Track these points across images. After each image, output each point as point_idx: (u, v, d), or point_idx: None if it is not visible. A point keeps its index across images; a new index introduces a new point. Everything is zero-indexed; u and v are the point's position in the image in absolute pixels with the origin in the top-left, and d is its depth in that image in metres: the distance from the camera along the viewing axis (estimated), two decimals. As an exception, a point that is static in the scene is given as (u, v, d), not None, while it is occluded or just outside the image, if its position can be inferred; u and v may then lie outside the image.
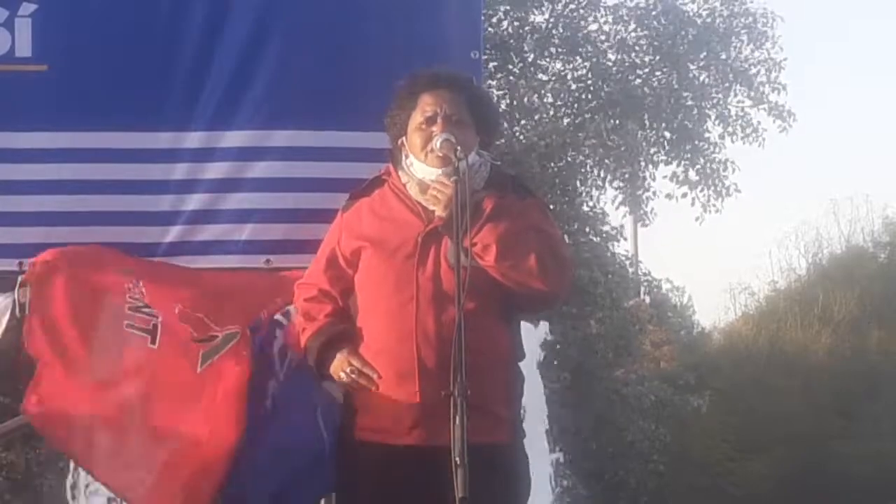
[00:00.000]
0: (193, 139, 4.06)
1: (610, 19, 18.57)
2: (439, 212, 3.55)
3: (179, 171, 4.06)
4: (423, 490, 3.40)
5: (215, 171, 4.07)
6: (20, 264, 4.00)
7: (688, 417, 19.35)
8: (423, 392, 3.46)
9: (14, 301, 3.99)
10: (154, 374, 3.85)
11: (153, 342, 3.87)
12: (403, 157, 3.70)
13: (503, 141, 15.11)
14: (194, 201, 4.06)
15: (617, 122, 17.33)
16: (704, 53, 18.55)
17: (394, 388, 3.52)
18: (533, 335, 3.95)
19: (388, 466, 3.52)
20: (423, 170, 3.64)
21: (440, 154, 3.57)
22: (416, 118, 3.67)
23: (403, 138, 3.71)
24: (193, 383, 3.84)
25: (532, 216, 3.66)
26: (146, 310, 3.90)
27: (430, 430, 3.44)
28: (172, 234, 4.06)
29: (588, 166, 17.51)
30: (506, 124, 15.59)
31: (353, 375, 3.56)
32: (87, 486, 4.30)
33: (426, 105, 3.66)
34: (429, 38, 4.19)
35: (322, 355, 3.64)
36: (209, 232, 4.08)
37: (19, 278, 3.99)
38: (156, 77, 4.04)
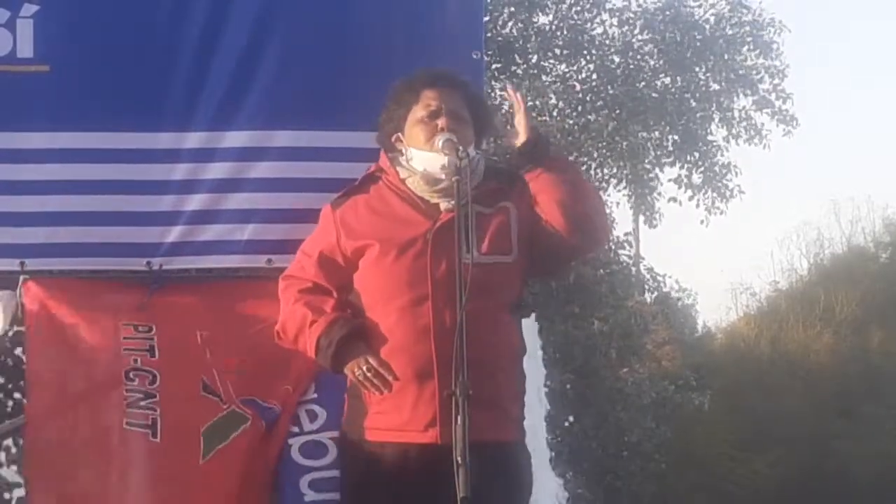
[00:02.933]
0: (194, 139, 4.06)
1: (615, 22, 18.59)
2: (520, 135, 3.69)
3: (180, 171, 4.05)
4: (437, 489, 3.35)
5: (216, 171, 4.07)
6: (22, 264, 4.00)
7: (689, 417, 19.38)
8: (441, 391, 3.41)
9: (16, 300, 4.01)
10: (157, 466, 3.90)
11: (154, 436, 3.91)
12: (401, 153, 3.69)
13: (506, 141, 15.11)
14: (195, 201, 4.07)
15: (621, 124, 17.33)
16: (710, 58, 18.55)
17: (410, 387, 3.49)
18: (530, 331, 3.96)
19: (402, 466, 3.50)
20: (427, 159, 3.62)
21: (444, 153, 3.57)
22: (418, 112, 3.67)
23: (399, 134, 3.70)
24: (199, 472, 3.88)
25: None
26: (144, 402, 3.93)
27: (447, 428, 3.38)
28: (174, 234, 4.06)
29: (592, 168, 17.52)
30: (509, 126, 15.59)
31: (369, 374, 3.51)
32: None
33: (429, 100, 3.67)
34: (429, 38, 4.19)
35: (340, 348, 3.55)
36: (211, 232, 4.08)
37: (21, 278, 4.00)
38: (157, 78, 4.04)
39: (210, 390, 3.94)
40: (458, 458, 3.19)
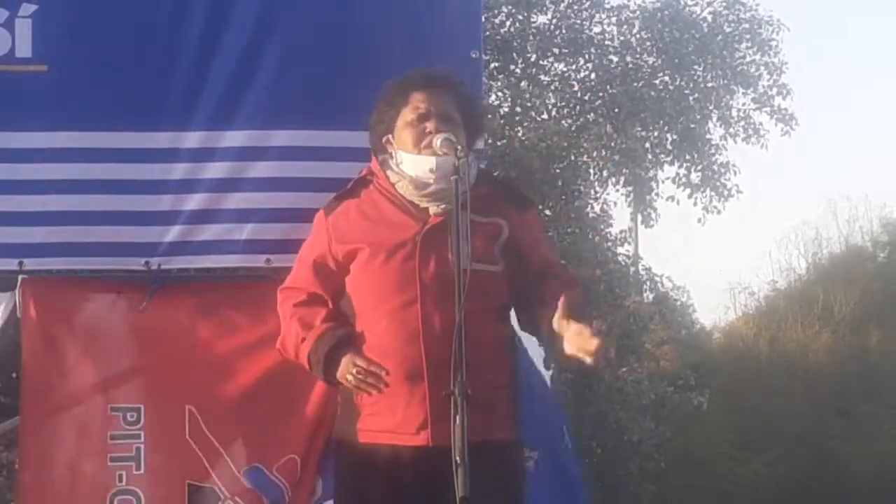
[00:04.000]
0: (193, 139, 4.06)
1: (613, 21, 18.58)
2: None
3: (179, 170, 4.05)
4: (430, 491, 3.39)
5: (215, 170, 4.07)
6: (20, 264, 4.00)
7: (688, 417, 19.37)
8: (432, 392, 3.43)
9: (14, 300, 4.01)
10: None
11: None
12: (391, 156, 3.69)
13: (504, 141, 15.12)
14: (194, 201, 4.06)
15: (619, 124, 17.33)
16: (708, 57, 18.55)
17: (401, 389, 3.50)
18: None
19: (395, 468, 3.51)
20: (416, 163, 3.61)
21: (442, 152, 3.56)
22: (407, 115, 3.65)
23: (390, 136, 3.69)
24: None
25: (536, 228, 3.79)
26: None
27: (438, 430, 3.41)
28: (172, 233, 4.06)
29: (591, 168, 17.52)
30: (507, 125, 15.60)
31: (360, 376, 3.51)
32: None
33: (418, 102, 3.65)
34: (429, 38, 4.19)
35: (329, 361, 3.57)
36: (209, 232, 4.08)
37: (20, 278, 4.00)
38: (156, 77, 4.04)
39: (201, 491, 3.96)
40: (458, 458, 3.19)
